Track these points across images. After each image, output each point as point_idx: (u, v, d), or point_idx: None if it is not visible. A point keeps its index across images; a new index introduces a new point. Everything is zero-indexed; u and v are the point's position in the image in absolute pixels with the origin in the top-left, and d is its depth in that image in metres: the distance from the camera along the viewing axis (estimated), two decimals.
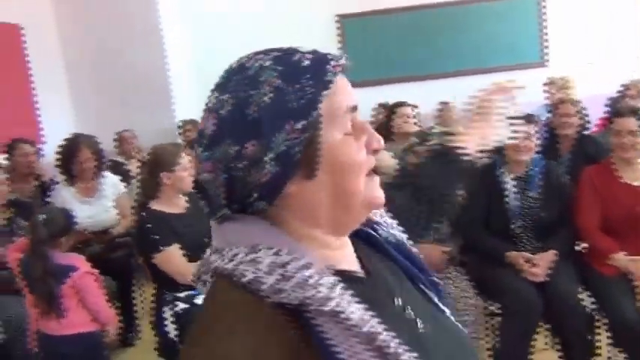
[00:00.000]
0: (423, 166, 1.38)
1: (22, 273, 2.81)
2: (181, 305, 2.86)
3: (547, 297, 2.88)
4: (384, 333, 0.74)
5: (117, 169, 4.87)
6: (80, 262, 2.86)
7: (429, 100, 5.78)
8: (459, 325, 0.99)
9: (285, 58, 0.82)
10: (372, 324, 0.74)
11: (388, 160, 3.11)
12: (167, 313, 2.85)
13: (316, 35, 6.29)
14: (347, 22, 6.89)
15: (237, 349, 0.70)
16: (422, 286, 0.97)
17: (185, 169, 3.00)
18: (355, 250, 0.92)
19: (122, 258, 4.04)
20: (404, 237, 1.01)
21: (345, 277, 0.81)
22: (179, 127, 5.92)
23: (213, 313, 0.77)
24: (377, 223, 0.99)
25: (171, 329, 2.82)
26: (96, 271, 2.92)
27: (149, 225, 2.85)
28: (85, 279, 2.80)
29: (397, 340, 0.74)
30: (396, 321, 0.81)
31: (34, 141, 4.70)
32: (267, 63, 0.81)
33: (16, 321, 3.15)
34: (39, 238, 2.70)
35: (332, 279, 0.76)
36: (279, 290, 0.74)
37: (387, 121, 4.35)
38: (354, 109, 0.84)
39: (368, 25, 6.88)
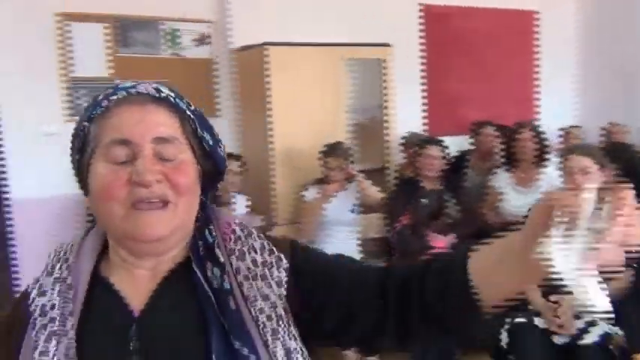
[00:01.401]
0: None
1: (398, 242, 3.07)
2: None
3: None
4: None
5: None
6: (440, 243, 2.94)
7: None
8: None
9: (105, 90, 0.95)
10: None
11: None
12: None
13: None
14: None
15: None
16: (212, 345, 0.87)
17: None
18: (173, 279, 0.95)
19: None
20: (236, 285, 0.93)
21: (104, 290, 0.95)
22: None
23: None
24: (216, 260, 0.94)
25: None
26: None
27: None
28: None
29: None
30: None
31: (502, 125, 4.86)
32: None
33: None
34: (418, 218, 2.90)
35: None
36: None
37: None
38: (125, 142, 0.89)
39: None
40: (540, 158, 4.02)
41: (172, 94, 0.95)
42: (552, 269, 0.72)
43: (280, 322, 0.91)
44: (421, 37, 5.02)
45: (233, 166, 3.77)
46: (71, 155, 0.96)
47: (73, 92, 3.87)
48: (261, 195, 4.09)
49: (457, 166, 4.50)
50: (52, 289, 0.93)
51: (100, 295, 0.94)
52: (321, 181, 3.87)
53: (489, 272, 0.87)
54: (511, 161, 4.11)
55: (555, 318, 2.72)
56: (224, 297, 0.91)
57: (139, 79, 3.48)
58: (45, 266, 0.97)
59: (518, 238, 0.80)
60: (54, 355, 0.88)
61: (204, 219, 0.99)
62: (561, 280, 0.72)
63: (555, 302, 2.77)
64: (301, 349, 0.93)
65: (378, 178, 4.30)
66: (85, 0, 3.90)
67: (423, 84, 5.03)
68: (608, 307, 0.71)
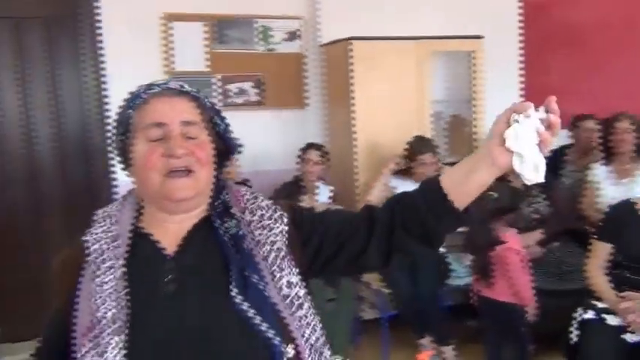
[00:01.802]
0: None
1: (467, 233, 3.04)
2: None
3: None
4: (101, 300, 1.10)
5: None
6: (512, 238, 2.89)
7: None
8: (254, 322, 1.08)
9: (141, 86, 1.20)
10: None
11: None
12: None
13: None
14: None
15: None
16: (231, 276, 1.12)
17: None
18: (198, 230, 1.20)
19: None
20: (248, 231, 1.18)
21: (143, 238, 1.19)
22: None
23: None
24: (231, 215, 1.20)
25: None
26: (523, 250, 2.89)
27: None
28: (506, 253, 2.83)
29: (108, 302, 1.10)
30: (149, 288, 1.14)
31: (603, 118, 4.58)
32: None
33: None
34: (485, 210, 2.85)
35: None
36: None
37: None
38: (159, 124, 1.15)
39: None
40: (638, 151, 3.77)
41: (194, 90, 1.23)
42: (515, 148, 1.05)
43: (283, 262, 1.17)
44: (520, 29, 4.86)
45: (313, 155, 3.88)
46: (115, 135, 1.22)
47: None
48: (345, 186, 4.18)
49: (553, 160, 4.33)
50: (102, 238, 1.18)
51: (140, 242, 1.19)
52: (403, 172, 3.91)
53: (459, 184, 1.15)
54: (608, 154, 3.88)
55: (630, 315, 2.60)
56: (239, 241, 1.17)
57: (234, 73, 3.77)
58: (93, 222, 1.23)
59: (483, 148, 1.12)
60: (108, 282, 1.12)
61: (220, 187, 1.25)
62: (520, 155, 1.05)
63: (628, 298, 2.64)
64: (300, 284, 1.17)
65: None
66: (186, 1, 4.20)
67: (520, 76, 4.87)
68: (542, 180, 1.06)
